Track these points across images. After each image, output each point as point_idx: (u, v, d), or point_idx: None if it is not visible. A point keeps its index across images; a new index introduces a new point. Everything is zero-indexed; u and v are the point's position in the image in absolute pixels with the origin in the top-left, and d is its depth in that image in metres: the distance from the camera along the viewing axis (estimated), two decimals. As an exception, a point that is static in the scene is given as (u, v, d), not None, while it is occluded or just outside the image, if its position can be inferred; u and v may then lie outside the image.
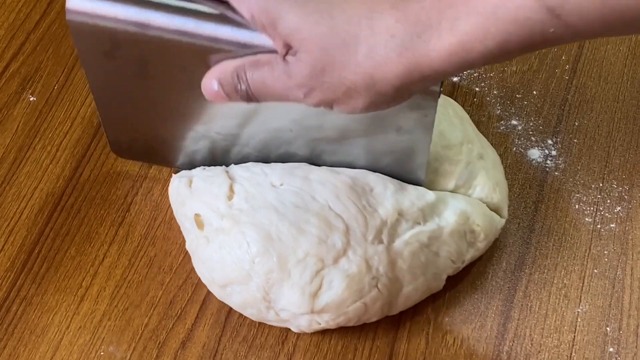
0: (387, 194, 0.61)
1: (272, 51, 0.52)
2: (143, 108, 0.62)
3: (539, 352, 0.62)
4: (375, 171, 0.63)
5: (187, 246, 0.64)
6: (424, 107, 0.57)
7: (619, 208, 0.68)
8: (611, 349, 0.62)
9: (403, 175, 0.64)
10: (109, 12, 0.54)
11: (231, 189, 0.62)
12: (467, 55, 0.47)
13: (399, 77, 0.49)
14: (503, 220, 0.65)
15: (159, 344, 0.62)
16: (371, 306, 0.60)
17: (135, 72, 0.59)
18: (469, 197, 0.65)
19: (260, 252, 0.59)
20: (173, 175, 0.66)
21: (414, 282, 0.61)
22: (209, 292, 0.64)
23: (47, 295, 0.64)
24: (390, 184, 0.62)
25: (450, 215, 0.62)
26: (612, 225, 0.67)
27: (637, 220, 0.68)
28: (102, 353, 0.62)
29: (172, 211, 0.68)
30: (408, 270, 0.61)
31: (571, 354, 0.62)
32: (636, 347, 0.62)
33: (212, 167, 0.66)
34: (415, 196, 0.62)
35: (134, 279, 0.65)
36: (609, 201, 0.69)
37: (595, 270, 0.65)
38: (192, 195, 0.63)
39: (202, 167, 0.66)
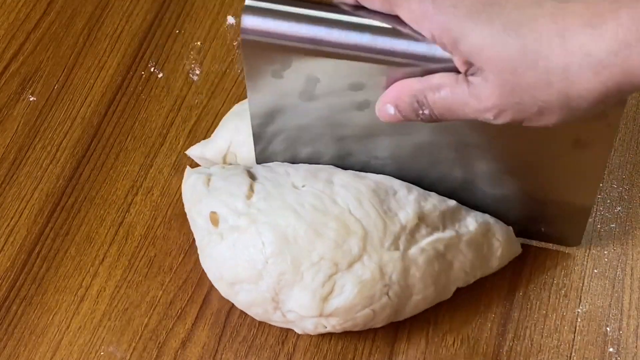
0: (410, 198, 0.61)
1: (449, 70, 0.51)
2: (304, 125, 0.61)
3: (539, 352, 0.62)
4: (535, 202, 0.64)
5: (198, 242, 0.63)
6: (608, 115, 0.55)
7: (619, 208, 0.68)
8: (611, 349, 0.62)
9: (568, 200, 0.62)
10: (284, 30, 0.54)
11: (251, 188, 0.61)
12: None
13: (595, 95, 0.47)
14: (520, 249, 0.65)
15: (159, 344, 0.62)
16: (379, 313, 0.60)
17: (302, 90, 0.58)
18: None
19: (275, 253, 0.59)
20: (188, 169, 0.65)
21: (423, 292, 0.61)
22: (209, 292, 0.64)
23: (47, 295, 0.64)
24: (415, 189, 0.62)
25: (471, 223, 0.62)
26: (612, 225, 0.67)
27: (637, 220, 0.68)
28: (102, 353, 0.62)
29: (172, 211, 0.68)
30: (420, 279, 0.60)
31: (571, 354, 0.62)
32: (636, 347, 0.62)
33: (233, 165, 0.65)
34: (438, 200, 0.62)
35: (134, 279, 0.65)
36: (609, 201, 0.69)
37: (595, 270, 0.65)
38: (209, 193, 0.62)
39: (221, 165, 0.65)
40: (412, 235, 0.60)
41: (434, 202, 0.61)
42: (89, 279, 0.65)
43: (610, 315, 0.63)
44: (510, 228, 0.64)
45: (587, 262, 0.66)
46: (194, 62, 0.76)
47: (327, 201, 0.60)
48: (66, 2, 0.80)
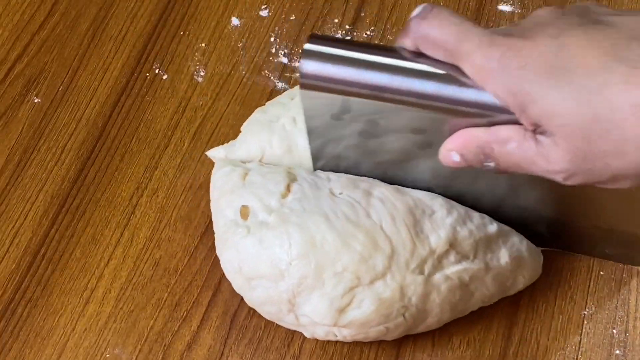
0: (446, 221, 0.59)
1: (517, 122, 0.49)
2: (362, 165, 0.61)
3: (545, 354, 0.62)
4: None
5: (220, 232, 0.62)
6: None
7: (624, 210, 0.68)
8: (617, 352, 0.62)
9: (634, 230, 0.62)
10: (345, 76, 0.52)
11: (288, 188, 0.61)
12: None
13: None
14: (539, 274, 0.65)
15: (164, 346, 0.62)
16: (392, 330, 0.60)
17: (362, 132, 0.57)
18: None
19: (300, 255, 0.58)
20: (218, 161, 0.65)
21: (439, 315, 0.60)
22: (214, 295, 0.64)
23: (52, 297, 0.64)
24: (456, 210, 0.60)
25: (504, 256, 0.61)
26: (617, 227, 0.67)
27: (643, 222, 0.68)
28: (107, 355, 0.62)
29: (177, 213, 0.68)
30: (439, 305, 0.60)
31: (577, 356, 0.62)
32: (643, 349, 0.62)
33: (272, 165, 0.64)
34: (477, 225, 0.60)
35: (139, 281, 0.65)
36: (614, 203, 0.69)
37: (602, 272, 0.65)
38: (244, 186, 0.62)
39: (259, 162, 0.64)
40: (439, 261, 0.59)
41: (471, 228, 0.60)
42: (94, 281, 0.65)
43: (617, 317, 0.63)
44: (541, 255, 0.63)
45: (593, 264, 0.66)
46: (198, 63, 0.76)
47: (361, 213, 0.59)
48: (70, 4, 0.80)
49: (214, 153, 0.67)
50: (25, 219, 0.68)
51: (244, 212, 0.61)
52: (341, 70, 0.52)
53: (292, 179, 0.62)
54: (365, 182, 0.61)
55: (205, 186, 0.68)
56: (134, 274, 0.65)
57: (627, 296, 0.64)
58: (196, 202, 0.68)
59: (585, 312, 0.64)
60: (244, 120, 0.73)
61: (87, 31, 0.78)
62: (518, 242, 0.62)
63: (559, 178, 0.49)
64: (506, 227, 0.62)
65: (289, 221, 0.59)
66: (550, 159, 0.48)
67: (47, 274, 0.65)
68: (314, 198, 0.60)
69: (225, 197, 0.62)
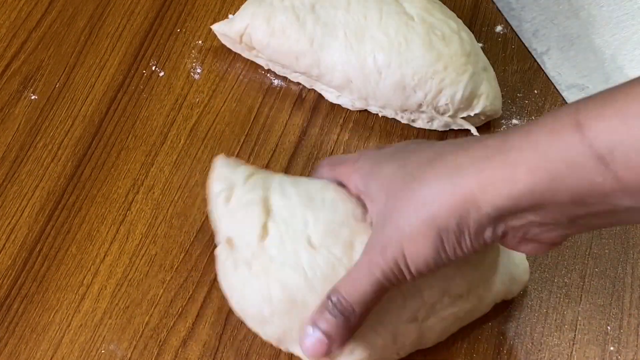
0: (437, 274, 0.57)
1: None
2: None
3: (540, 350, 0.62)
4: None
5: (218, 251, 0.61)
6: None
7: (619, 207, 0.68)
8: (612, 348, 0.62)
9: None
10: None
11: (265, 228, 0.58)
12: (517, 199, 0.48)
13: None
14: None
15: (159, 342, 0.62)
16: None
17: None
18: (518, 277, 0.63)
19: (282, 311, 0.57)
20: (220, 163, 0.64)
21: (434, 342, 0.60)
22: (210, 291, 0.64)
23: (48, 293, 0.64)
24: None
25: (496, 285, 0.61)
26: (612, 224, 0.68)
27: (638, 219, 0.68)
28: (102, 351, 0.62)
29: (173, 210, 0.68)
30: (434, 339, 0.60)
31: (572, 352, 0.62)
32: (636, 345, 0.62)
33: (253, 181, 0.61)
34: (470, 269, 0.59)
35: (135, 277, 0.65)
36: (609, 200, 0.69)
37: (596, 269, 0.65)
38: (228, 213, 0.60)
39: (244, 176, 0.62)
40: (432, 308, 0.58)
41: (464, 271, 0.58)
42: (90, 277, 0.65)
43: (611, 314, 0.63)
44: (528, 272, 0.63)
45: (587, 260, 0.66)
46: (195, 60, 0.76)
47: (342, 272, 0.56)
48: (67, 1, 0.80)
49: (217, 27, 0.75)
50: (21, 215, 0.68)
51: (230, 242, 0.60)
52: None
53: (267, 212, 0.59)
54: (346, 229, 0.57)
55: (200, 183, 0.68)
56: (130, 270, 0.65)
57: (622, 293, 0.64)
58: (192, 199, 0.69)
59: (580, 309, 0.64)
60: (240, 118, 0.73)
61: (84, 28, 0.78)
62: (506, 262, 0.61)
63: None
64: (495, 253, 0.60)
65: (269, 273, 0.57)
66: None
67: (42, 270, 0.65)
68: (291, 249, 0.57)
69: (214, 219, 0.62)
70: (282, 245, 0.58)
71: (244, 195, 0.61)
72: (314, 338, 0.55)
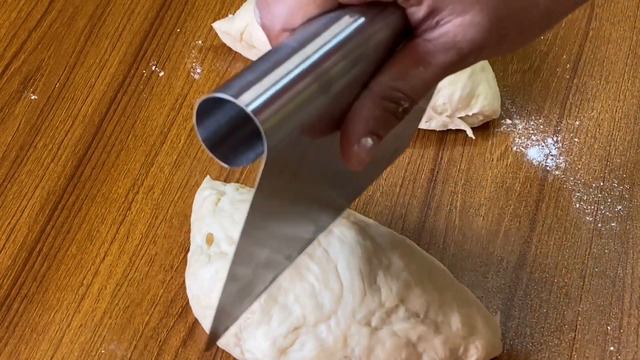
0: (402, 275, 0.57)
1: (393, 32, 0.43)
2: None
3: (540, 350, 0.62)
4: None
5: (189, 256, 0.62)
6: None
7: (619, 207, 0.68)
8: (612, 348, 0.62)
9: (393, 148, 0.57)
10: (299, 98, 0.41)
11: None
12: None
13: (572, 8, 0.45)
14: (500, 350, 0.61)
15: (159, 342, 0.62)
16: None
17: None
18: (488, 313, 0.61)
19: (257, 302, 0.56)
20: (207, 179, 0.65)
21: None
22: (209, 291, 0.64)
23: (48, 293, 0.64)
24: (415, 264, 0.58)
25: (455, 321, 0.58)
26: (612, 224, 0.68)
27: (638, 219, 0.68)
28: (102, 351, 0.62)
29: (173, 210, 0.68)
30: (383, 358, 0.57)
31: (572, 352, 0.62)
32: (636, 345, 0.62)
33: (247, 190, 0.63)
34: (432, 287, 0.58)
35: (135, 277, 0.65)
36: (609, 200, 0.69)
37: (596, 269, 0.65)
38: (214, 214, 0.62)
39: (238, 185, 0.64)
40: (387, 315, 0.57)
41: (426, 286, 0.57)
42: (90, 277, 0.65)
43: (611, 314, 0.63)
44: (499, 329, 0.60)
45: (587, 260, 0.66)
46: (195, 60, 0.77)
47: (319, 249, 0.58)
48: (67, 1, 0.80)
49: (218, 25, 0.75)
50: (21, 215, 0.68)
51: (210, 239, 0.61)
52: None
53: None
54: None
55: (200, 183, 0.68)
56: (130, 270, 0.65)
57: (621, 293, 0.64)
58: (192, 199, 0.68)
59: (580, 309, 0.64)
60: (240, 117, 0.73)
61: (84, 28, 0.79)
62: (474, 311, 0.59)
63: (470, 61, 0.44)
64: (466, 292, 0.60)
65: None
66: (459, 44, 0.43)
67: (43, 270, 0.65)
68: None
69: (196, 223, 0.63)
70: None
71: (235, 197, 0.62)
72: (371, 148, 0.43)
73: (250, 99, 0.38)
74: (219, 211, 0.62)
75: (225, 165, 0.41)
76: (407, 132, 0.58)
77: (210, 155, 0.41)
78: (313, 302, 0.57)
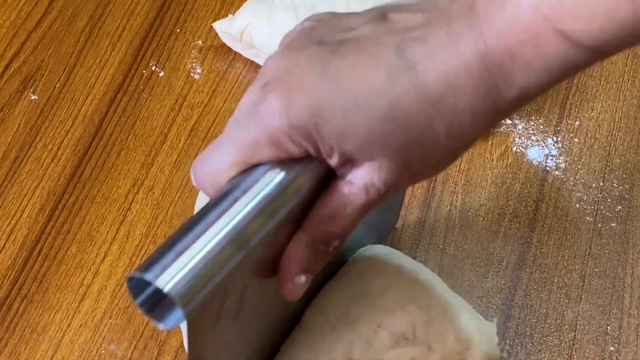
0: (372, 306, 0.54)
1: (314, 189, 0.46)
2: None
3: (540, 351, 0.62)
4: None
5: None
6: None
7: (619, 207, 0.68)
8: (612, 348, 0.62)
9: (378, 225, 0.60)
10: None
11: None
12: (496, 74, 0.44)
13: (477, 138, 0.46)
14: (498, 357, 0.58)
15: (159, 342, 0.62)
16: None
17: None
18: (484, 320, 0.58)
19: None
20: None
21: None
22: (209, 291, 0.64)
23: (48, 293, 0.64)
24: (397, 289, 0.56)
25: (449, 338, 0.55)
26: (612, 225, 0.68)
27: (638, 219, 0.68)
28: (102, 351, 0.62)
29: (173, 210, 0.68)
30: None
31: (571, 352, 0.62)
32: (636, 345, 0.62)
33: None
34: (415, 308, 0.55)
35: (135, 277, 0.65)
36: (609, 200, 0.69)
37: (596, 269, 0.65)
38: None
39: None
40: (368, 344, 0.54)
41: (407, 307, 0.55)
42: (90, 277, 0.65)
43: (611, 314, 0.63)
44: (495, 335, 0.58)
45: (587, 260, 0.66)
46: (195, 60, 0.77)
47: (298, 334, 0.56)
48: (67, 1, 0.80)
49: (218, 25, 0.74)
50: (21, 215, 0.68)
51: None
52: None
53: None
54: None
55: (201, 183, 0.68)
56: (130, 270, 0.65)
57: (621, 293, 0.64)
58: (192, 199, 0.69)
59: (580, 309, 0.64)
60: (240, 117, 0.73)
61: (84, 28, 0.79)
62: (468, 318, 0.56)
63: (389, 195, 0.46)
64: (458, 303, 0.57)
65: None
66: (376, 185, 0.45)
67: (43, 270, 0.65)
68: None
69: None
70: None
71: None
72: (304, 283, 0.47)
73: (166, 281, 0.41)
74: None
75: (162, 326, 0.44)
76: (388, 219, 0.62)
77: (147, 317, 0.45)
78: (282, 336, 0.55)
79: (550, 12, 0.41)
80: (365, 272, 0.57)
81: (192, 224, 0.43)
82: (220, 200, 0.44)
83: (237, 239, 0.43)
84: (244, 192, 0.44)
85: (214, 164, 0.46)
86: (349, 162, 0.45)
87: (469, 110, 0.44)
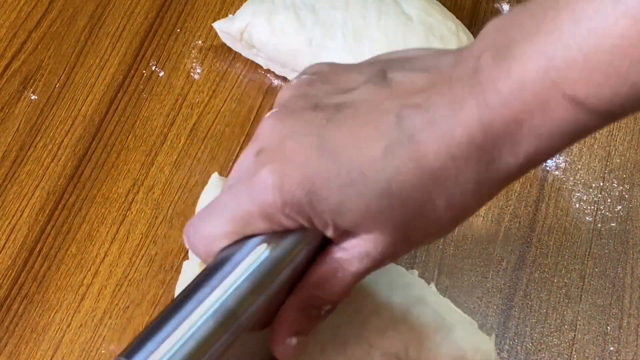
0: (366, 327, 0.53)
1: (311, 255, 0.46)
2: None
3: (539, 350, 0.62)
4: None
5: (185, 263, 0.62)
6: None
7: (619, 207, 0.68)
8: (611, 348, 0.62)
9: None
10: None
11: None
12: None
13: (479, 207, 0.46)
14: None
15: (159, 342, 0.62)
16: None
17: None
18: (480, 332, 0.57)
19: None
20: (213, 178, 0.64)
21: None
22: (209, 291, 0.64)
23: (48, 293, 0.64)
24: (389, 309, 0.55)
25: (443, 357, 0.53)
26: (612, 225, 0.68)
27: (638, 219, 0.68)
28: (103, 351, 0.62)
29: (173, 210, 0.68)
30: None
31: (571, 352, 0.62)
32: (636, 345, 0.62)
33: None
34: (406, 328, 0.53)
35: (135, 277, 0.65)
36: (609, 200, 0.69)
37: (596, 269, 0.65)
38: None
39: None
40: None
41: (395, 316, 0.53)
42: (90, 277, 0.65)
43: (611, 314, 0.63)
44: (493, 350, 0.55)
45: (587, 260, 0.66)
46: (195, 60, 0.77)
47: None
48: (67, 1, 0.80)
49: (218, 25, 0.75)
50: (21, 215, 0.68)
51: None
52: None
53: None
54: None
55: (201, 183, 0.68)
56: (130, 271, 0.65)
57: (621, 293, 0.64)
58: (192, 199, 0.69)
59: (580, 309, 0.64)
60: (240, 118, 0.73)
61: (84, 28, 0.79)
62: (463, 334, 0.54)
63: (386, 263, 0.46)
64: (449, 316, 0.55)
65: None
66: (371, 255, 0.45)
67: (43, 270, 0.65)
68: None
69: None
70: None
71: None
72: (295, 346, 0.48)
73: None
74: None
75: None
76: None
77: None
78: None
79: (559, 76, 0.39)
80: (355, 290, 0.54)
81: (180, 303, 0.43)
82: (209, 276, 0.44)
83: (226, 319, 0.43)
84: (234, 267, 0.44)
85: (207, 232, 0.46)
86: (345, 234, 0.44)
87: (472, 182, 0.43)
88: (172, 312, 0.43)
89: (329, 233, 0.45)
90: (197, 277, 0.45)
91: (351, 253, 0.45)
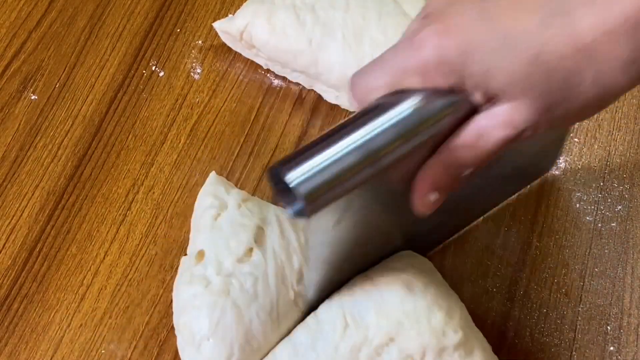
0: (389, 316, 0.55)
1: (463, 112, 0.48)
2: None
3: (540, 350, 0.62)
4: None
5: (183, 259, 0.62)
6: None
7: (619, 207, 0.68)
8: (611, 348, 0.62)
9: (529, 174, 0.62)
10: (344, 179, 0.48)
11: (248, 253, 0.59)
12: None
13: (626, 89, 0.47)
14: None
15: (159, 342, 0.62)
16: None
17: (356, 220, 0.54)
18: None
19: (219, 338, 0.57)
20: (211, 177, 0.65)
21: None
22: (209, 291, 0.64)
23: (48, 293, 0.64)
24: (413, 302, 0.56)
25: None
26: (612, 224, 0.68)
27: (638, 219, 0.68)
28: (103, 351, 0.62)
29: (173, 210, 0.68)
30: None
31: (571, 352, 0.62)
32: (636, 346, 0.62)
33: (250, 208, 0.62)
34: (433, 328, 0.55)
35: (135, 277, 0.65)
36: (609, 200, 0.69)
37: (596, 269, 0.65)
38: (211, 230, 0.61)
39: (242, 194, 0.64)
40: (377, 353, 0.55)
41: (422, 329, 0.55)
42: (90, 277, 0.65)
43: (611, 314, 0.63)
44: None
45: (587, 260, 0.66)
46: (195, 60, 0.77)
47: (311, 320, 0.57)
48: (67, 1, 0.80)
49: (218, 25, 0.74)
50: (21, 215, 0.68)
51: (201, 254, 0.60)
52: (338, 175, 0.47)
53: (259, 237, 0.60)
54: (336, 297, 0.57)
55: (200, 183, 0.68)
56: (130, 270, 0.65)
57: (621, 293, 0.64)
58: (192, 199, 0.69)
59: (580, 309, 0.64)
60: (240, 118, 0.73)
61: (84, 28, 0.79)
62: (481, 356, 0.56)
63: (528, 134, 0.48)
64: (473, 335, 0.57)
65: (229, 297, 0.57)
66: (515, 124, 0.47)
67: (43, 270, 0.65)
68: (275, 290, 0.58)
69: (194, 230, 0.62)
70: (256, 282, 0.58)
71: (235, 217, 0.61)
72: (433, 202, 0.50)
73: (294, 177, 0.46)
74: (217, 229, 0.61)
75: (289, 212, 0.48)
76: (548, 157, 0.64)
77: (280, 201, 0.51)
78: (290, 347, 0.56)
79: None
80: (393, 281, 0.57)
81: (333, 133, 0.47)
82: (362, 116, 0.47)
83: (368, 155, 0.47)
84: (384, 112, 0.47)
85: (367, 81, 0.49)
86: (492, 100, 0.47)
87: (622, 59, 0.45)
88: (323, 140, 0.47)
89: (477, 97, 0.47)
90: (351, 117, 0.48)
91: (496, 120, 0.47)
